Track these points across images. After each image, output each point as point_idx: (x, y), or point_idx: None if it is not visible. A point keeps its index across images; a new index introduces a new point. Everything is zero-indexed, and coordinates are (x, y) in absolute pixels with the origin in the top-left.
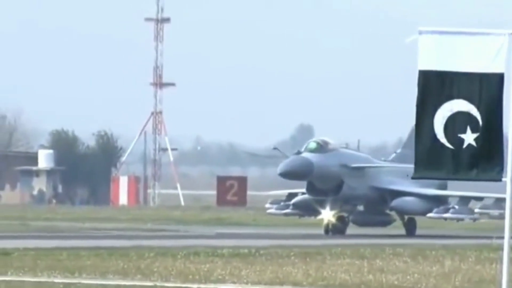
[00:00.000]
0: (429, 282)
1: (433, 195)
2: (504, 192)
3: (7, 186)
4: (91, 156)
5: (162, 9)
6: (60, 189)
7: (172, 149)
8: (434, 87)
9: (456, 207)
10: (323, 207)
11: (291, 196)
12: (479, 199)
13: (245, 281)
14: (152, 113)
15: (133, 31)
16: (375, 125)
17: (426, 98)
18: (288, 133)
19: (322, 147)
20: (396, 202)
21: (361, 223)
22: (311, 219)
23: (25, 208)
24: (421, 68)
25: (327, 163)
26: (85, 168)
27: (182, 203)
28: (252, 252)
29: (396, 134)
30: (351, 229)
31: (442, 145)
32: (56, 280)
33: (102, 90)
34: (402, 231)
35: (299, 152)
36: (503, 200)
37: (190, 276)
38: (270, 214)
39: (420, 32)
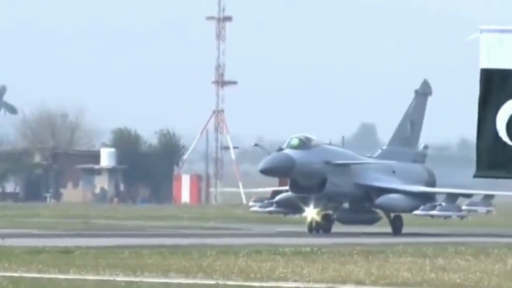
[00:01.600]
0: (492, 280)
1: (420, 192)
2: (493, 189)
3: (69, 185)
4: (153, 154)
5: (223, 8)
6: (122, 187)
7: (234, 148)
8: (496, 85)
9: (443, 204)
10: (307, 204)
11: (276, 194)
12: (467, 196)
13: (307, 279)
14: (214, 112)
15: (195, 30)
16: (437, 124)
17: (488, 96)
18: (350, 132)
19: (304, 144)
20: (381, 199)
21: (345, 221)
22: (296, 217)
23: (87, 206)
24: (483, 67)
25: (309, 160)
26: (147, 167)
27: (244, 201)
28: (314, 251)
29: (459, 133)
30: (336, 227)
31: (505, 144)
32: (118, 279)
33: (165, 88)
34: (389, 229)
35: (280, 149)
36: (491, 197)
37: (252, 275)
38: (254, 212)
39: (481, 31)
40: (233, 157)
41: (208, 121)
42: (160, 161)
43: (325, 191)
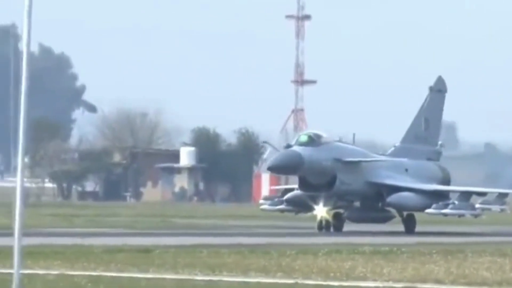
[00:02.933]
0: None
1: (432, 190)
2: (507, 187)
3: (149, 184)
4: (232, 153)
5: (302, 7)
6: (201, 186)
7: None
8: None
9: (456, 202)
10: (317, 203)
11: (287, 191)
12: (481, 194)
13: (386, 278)
14: (293, 111)
15: (274, 29)
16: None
17: None
18: None
19: (313, 140)
20: (393, 197)
21: (356, 220)
22: (307, 215)
23: (166, 205)
24: None
25: (318, 157)
26: (226, 166)
27: None
28: (393, 250)
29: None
30: (349, 226)
31: None
32: (197, 278)
33: (244, 87)
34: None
35: (289, 146)
36: (505, 195)
37: (332, 274)
38: (264, 210)
39: None
40: None
41: (288, 120)
42: (239, 160)
43: (334, 189)
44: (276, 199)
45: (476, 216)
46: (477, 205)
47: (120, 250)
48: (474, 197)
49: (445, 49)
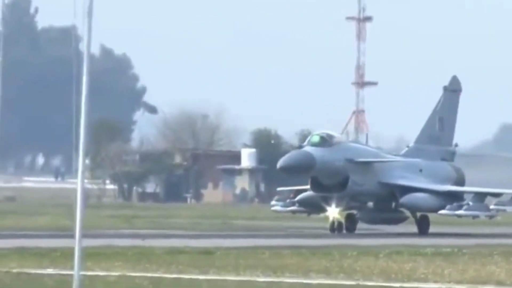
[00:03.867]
0: None
1: (446, 191)
2: None
3: (210, 185)
4: None
5: (364, 8)
6: (262, 187)
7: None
8: None
9: (470, 203)
10: (329, 204)
11: (299, 192)
12: (496, 195)
13: (447, 280)
14: (354, 112)
15: (335, 30)
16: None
17: None
18: (491, 133)
19: (326, 141)
20: (406, 198)
21: (369, 221)
22: (319, 216)
23: (227, 207)
24: None
25: (330, 158)
26: None
27: None
28: (455, 251)
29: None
30: (362, 227)
31: None
32: (259, 279)
33: (305, 89)
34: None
35: (301, 146)
36: None
37: (393, 275)
38: (275, 211)
39: None
40: None
41: (349, 121)
42: None
43: (347, 190)
44: (288, 200)
45: (491, 217)
46: (491, 206)
47: (182, 252)
48: (488, 198)
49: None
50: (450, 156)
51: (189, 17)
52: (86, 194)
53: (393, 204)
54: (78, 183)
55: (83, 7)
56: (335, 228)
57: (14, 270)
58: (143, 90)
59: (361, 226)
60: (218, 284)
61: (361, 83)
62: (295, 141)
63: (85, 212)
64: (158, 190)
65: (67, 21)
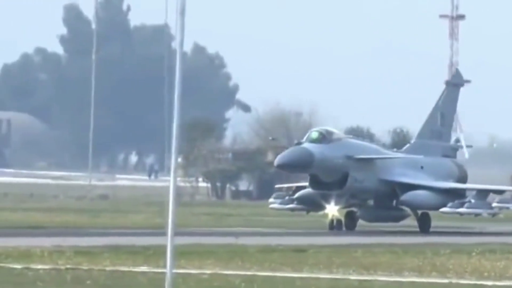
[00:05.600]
0: None
1: (448, 188)
2: None
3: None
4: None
5: (457, 6)
6: None
7: (467, 146)
8: None
9: (472, 201)
10: (328, 201)
11: (299, 189)
12: (499, 192)
13: None
14: None
15: (427, 28)
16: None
17: None
18: None
19: (324, 137)
20: (407, 196)
21: (369, 219)
22: (318, 214)
23: None
24: None
25: (330, 154)
26: None
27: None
28: None
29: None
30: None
31: None
32: (351, 277)
33: (397, 87)
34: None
35: (299, 143)
36: None
37: (485, 274)
38: (273, 209)
39: None
40: (466, 156)
41: None
42: None
43: (346, 187)
44: (286, 198)
45: (493, 215)
46: (494, 204)
47: (274, 250)
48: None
49: None
50: (452, 152)
51: (281, 16)
52: (179, 192)
53: (394, 202)
54: (171, 181)
55: (176, 5)
56: (334, 226)
57: (108, 268)
58: (236, 88)
59: (361, 224)
60: (311, 282)
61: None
62: (388, 139)
63: (178, 210)
64: (251, 188)
65: (159, 20)
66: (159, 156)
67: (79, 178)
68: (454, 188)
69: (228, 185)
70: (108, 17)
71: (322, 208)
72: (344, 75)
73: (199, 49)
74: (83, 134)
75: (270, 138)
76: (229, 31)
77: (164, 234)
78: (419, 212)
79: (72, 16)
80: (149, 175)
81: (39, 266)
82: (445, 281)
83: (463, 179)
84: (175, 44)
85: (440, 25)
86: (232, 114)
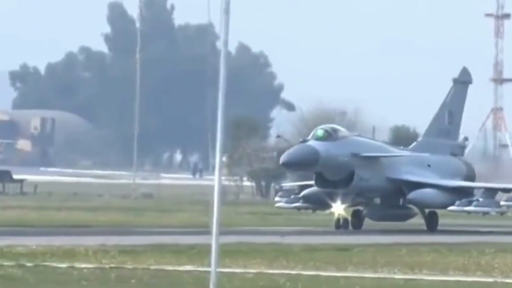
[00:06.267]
0: None
1: (455, 186)
2: None
3: None
4: None
5: (502, 6)
6: None
7: None
8: None
9: (480, 199)
10: (334, 200)
11: (303, 188)
12: (507, 190)
13: None
14: (492, 110)
15: (473, 27)
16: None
17: None
18: None
19: (330, 135)
20: (414, 194)
21: (376, 217)
22: (324, 213)
23: None
24: None
25: (335, 152)
26: None
27: None
28: None
29: None
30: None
31: None
32: (396, 276)
33: (441, 85)
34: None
35: (305, 141)
36: None
37: None
38: (279, 208)
39: None
40: None
41: (487, 119)
42: None
43: (352, 185)
44: (292, 196)
45: (501, 213)
46: (502, 202)
47: (318, 249)
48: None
49: None
50: (459, 150)
51: (324, 16)
52: (224, 191)
53: (401, 200)
54: (215, 180)
55: (220, 5)
56: (341, 225)
57: (152, 267)
58: (281, 88)
59: (367, 222)
60: (356, 281)
61: (499, 80)
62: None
63: (222, 209)
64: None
65: (203, 19)
66: (203, 155)
67: (123, 177)
68: (461, 186)
69: (272, 184)
70: (152, 16)
71: (328, 206)
72: (390, 74)
73: (243, 48)
74: (127, 132)
75: (276, 136)
76: (273, 31)
77: (208, 233)
78: (427, 210)
79: (116, 15)
80: (194, 174)
81: (84, 265)
82: (490, 280)
83: (471, 177)
84: (219, 43)
85: (485, 23)
86: (277, 113)
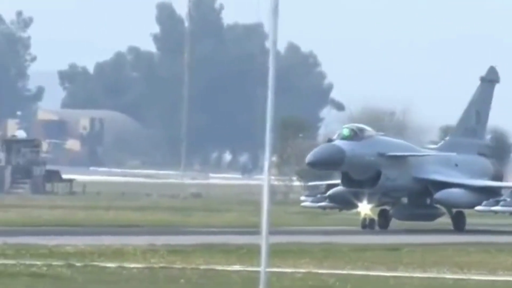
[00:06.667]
0: None
1: (483, 186)
2: None
3: None
4: None
5: None
6: None
7: None
8: None
9: (508, 199)
10: (360, 199)
11: (330, 187)
12: None
13: None
14: None
15: None
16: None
17: None
18: None
19: (356, 134)
20: (441, 194)
21: (403, 217)
22: (350, 212)
23: None
24: None
25: (361, 152)
26: None
27: None
28: None
29: None
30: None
31: None
32: (446, 276)
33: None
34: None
35: (330, 140)
36: None
37: None
38: (305, 207)
39: None
40: None
41: None
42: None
43: (379, 185)
44: (318, 195)
45: None
46: None
47: (368, 249)
48: None
49: None
50: (487, 150)
51: (374, 16)
52: (273, 190)
53: (428, 200)
54: (264, 180)
55: (269, 4)
56: (367, 225)
57: (201, 267)
58: (330, 87)
59: (394, 222)
60: (405, 281)
61: None
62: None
63: (271, 209)
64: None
65: (252, 18)
66: (252, 154)
67: (171, 177)
68: (489, 186)
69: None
70: (201, 16)
71: (354, 206)
72: (437, 74)
73: (293, 48)
74: (176, 132)
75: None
76: (323, 30)
77: (257, 233)
78: (454, 210)
79: (165, 14)
80: (243, 174)
81: (132, 265)
82: None
83: (498, 177)
84: (267, 43)
85: None
86: (326, 113)
